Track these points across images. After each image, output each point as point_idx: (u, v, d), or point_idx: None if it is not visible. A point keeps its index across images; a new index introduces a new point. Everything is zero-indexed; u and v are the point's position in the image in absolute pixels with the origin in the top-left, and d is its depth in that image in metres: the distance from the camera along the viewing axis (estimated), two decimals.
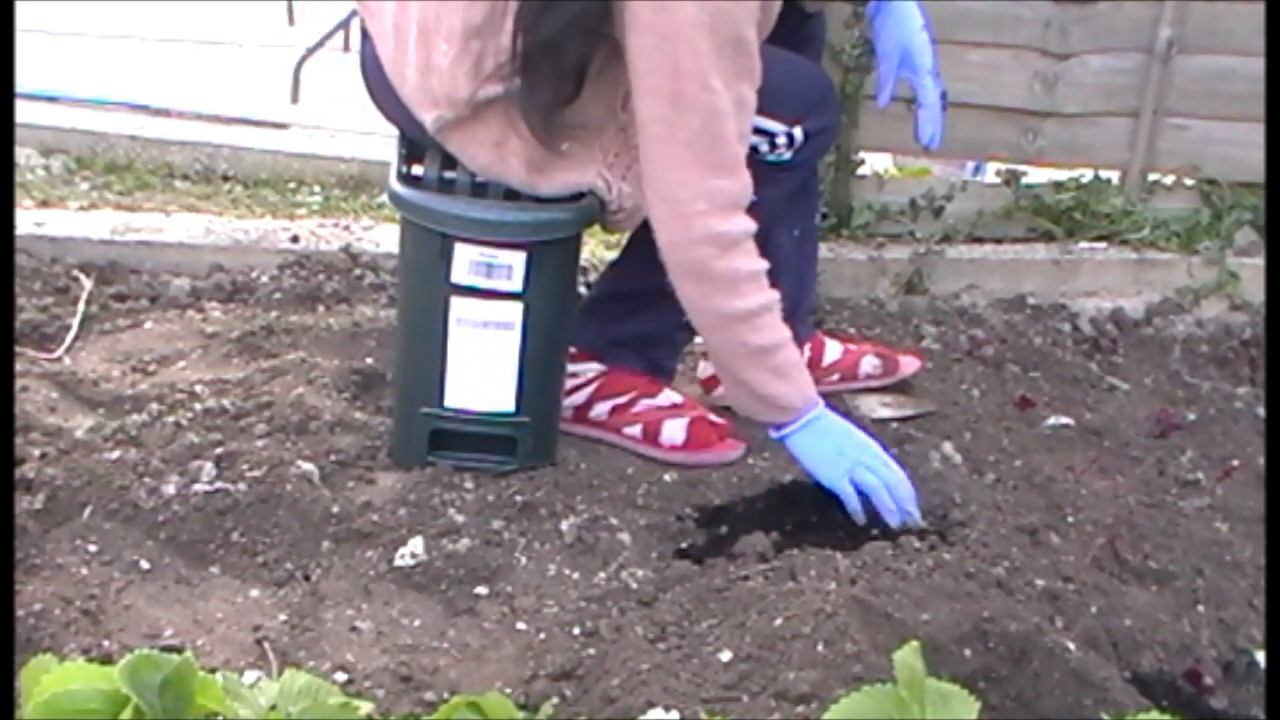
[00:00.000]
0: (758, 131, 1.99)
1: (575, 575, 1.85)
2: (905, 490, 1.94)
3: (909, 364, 2.46)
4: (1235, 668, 1.81)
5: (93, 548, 1.77)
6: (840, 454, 1.95)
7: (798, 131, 2.04)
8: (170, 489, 1.88)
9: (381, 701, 1.57)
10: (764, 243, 2.21)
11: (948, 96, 2.20)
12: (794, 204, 2.25)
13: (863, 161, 2.93)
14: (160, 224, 2.80)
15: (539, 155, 1.90)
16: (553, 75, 1.82)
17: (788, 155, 2.05)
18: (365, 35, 2.02)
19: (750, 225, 1.86)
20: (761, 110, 1.97)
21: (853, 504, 1.94)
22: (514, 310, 1.97)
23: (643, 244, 2.17)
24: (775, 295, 1.90)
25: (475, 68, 1.86)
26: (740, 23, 1.77)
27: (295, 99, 4.04)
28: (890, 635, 1.57)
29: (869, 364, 2.42)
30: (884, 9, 2.14)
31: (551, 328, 2.01)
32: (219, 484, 1.89)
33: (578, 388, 2.19)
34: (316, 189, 3.33)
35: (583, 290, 2.39)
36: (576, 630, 1.73)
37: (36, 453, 1.94)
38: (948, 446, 2.22)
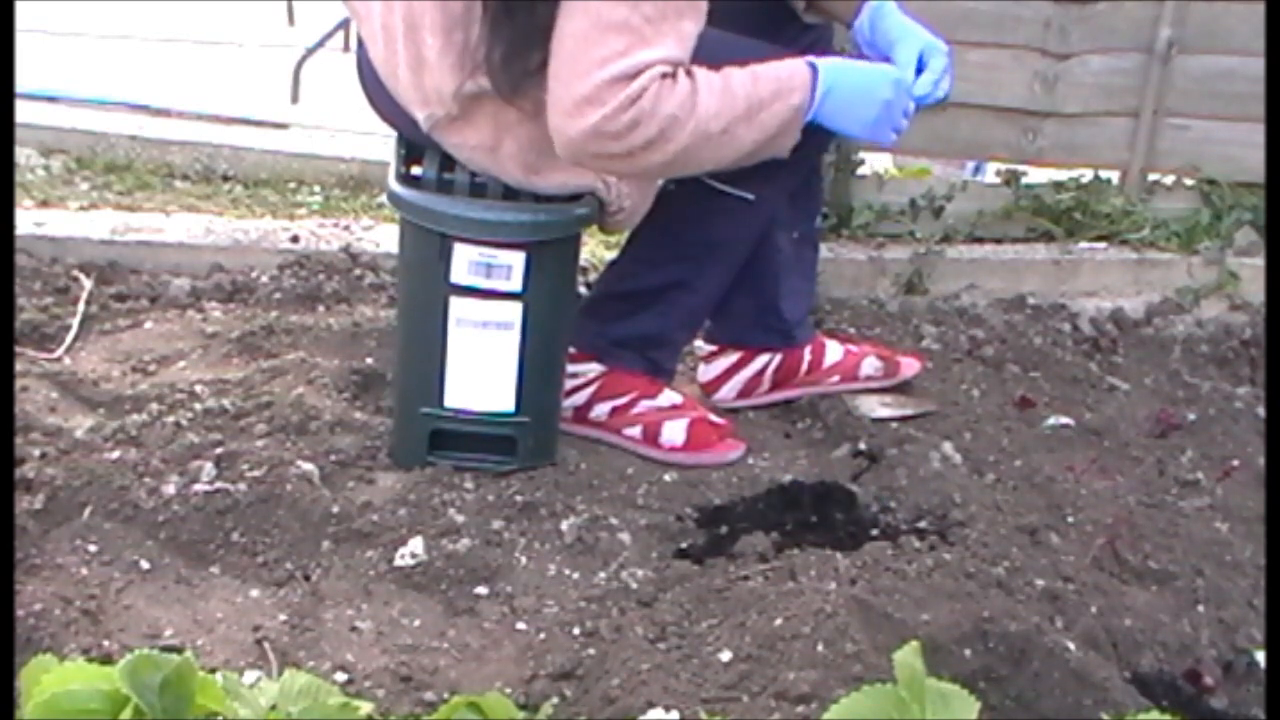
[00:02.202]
0: None
1: (575, 575, 1.85)
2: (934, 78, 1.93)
3: (909, 366, 2.46)
4: (1235, 668, 1.81)
5: (93, 548, 1.77)
6: (869, 107, 1.88)
7: None
8: (170, 489, 1.88)
9: (381, 701, 1.57)
10: (763, 245, 2.22)
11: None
12: (795, 205, 2.24)
13: (863, 161, 2.93)
14: (160, 224, 2.80)
15: (533, 157, 1.90)
16: (520, 35, 1.79)
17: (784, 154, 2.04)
18: (359, 40, 2.02)
19: (652, 75, 1.73)
20: None
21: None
22: (513, 310, 1.97)
23: (643, 244, 2.18)
24: (697, 80, 1.77)
25: (460, 60, 1.85)
26: None
27: (295, 99, 4.04)
28: (890, 635, 1.57)
29: (870, 366, 2.42)
30: (860, 32, 2.06)
31: (551, 328, 2.01)
32: (219, 484, 1.89)
33: (578, 388, 2.19)
34: (316, 189, 3.33)
35: (582, 290, 2.39)
36: (576, 630, 1.73)
37: (36, 453, 1.94)
38: (948, 446, 2.22)
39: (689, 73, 1.79)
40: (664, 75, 1.75)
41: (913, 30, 2.01)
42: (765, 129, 1.84)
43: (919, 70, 1.98)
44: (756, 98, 1.82)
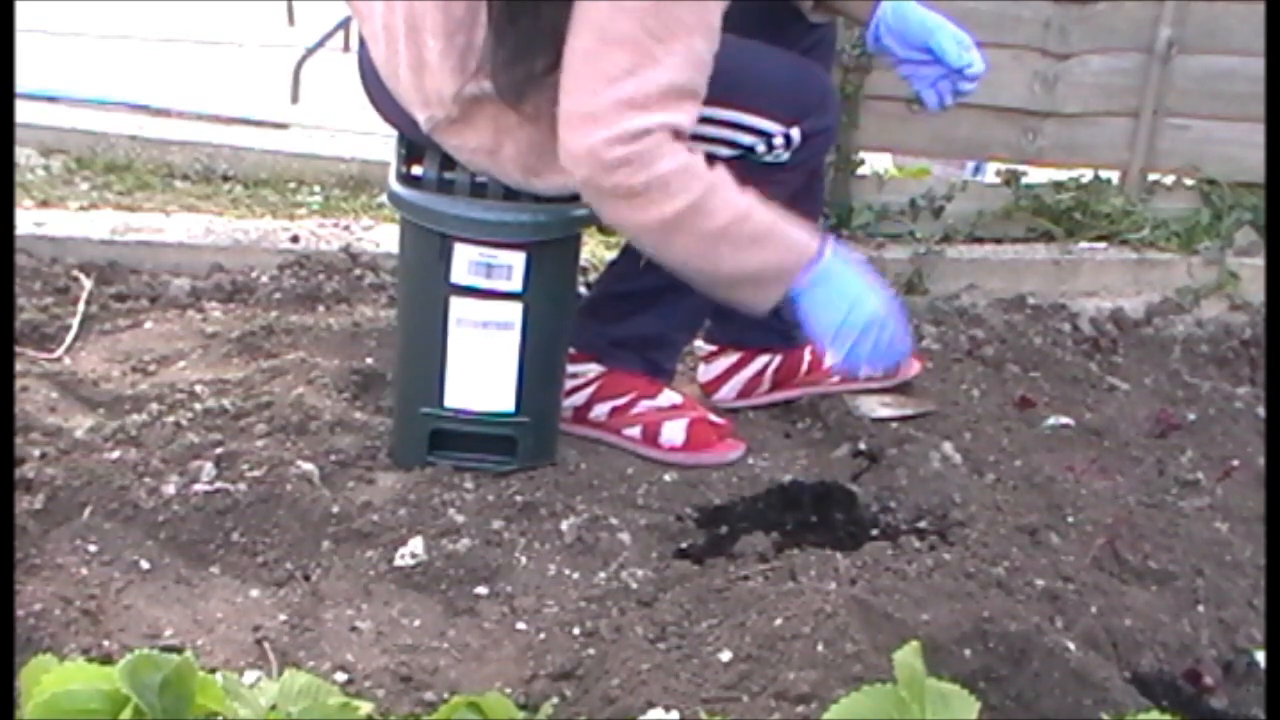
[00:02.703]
0: (754, 132, 1.99)
1: (575, 575, 1.85)
2: (893, 354, 1.84)
3: (909, 367, 2.46)
4: (1235, 668, 1.81)
5: (93, 548, 1.77)
6: (841, 318, 1.79)
7: (795, 133, 2.02)
8: (170, 489, 1.88)
9: (381, 701, 1.57)
10: None
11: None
12: (796, 207, 2.24)
13: (863, 161, 2.93)
14: (160, 224, 2.80)
15: (533, 158, 1.90)
16: (525, 36, 1.79)
17: (785, 156, 2.04)
18: (361, 39, 2.02)
19: (655, 123, 1.72)
20: (758, 110, 1.97)
21: (845, 367, 1.85)
22: (514, 310, 1.97)
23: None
24: (715, 175, 1.78)
25: (461, 63, 1.85)
26: None
27: (295, 99, 4.04)
28: (890, 635, 1.57)
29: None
30: (882, 25, 2.06)
31: (551, 328, 2.01)
32: (219, 484, 1.89)
33: (577, 388, 2.19)
34: (316, 189, 3.34)
35: (582, 290, 2.39)
36: (576, 630, 1.73)
37: (36, 453, 1.94)
38: (948, 446, 2.22)
39: (712, 162, 1.77)
40: (676, 134, 1.73)
41: (942, 21, 2.04)
42: (745, 267, 1.79)
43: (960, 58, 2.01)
44: (760, 233, 1.78)
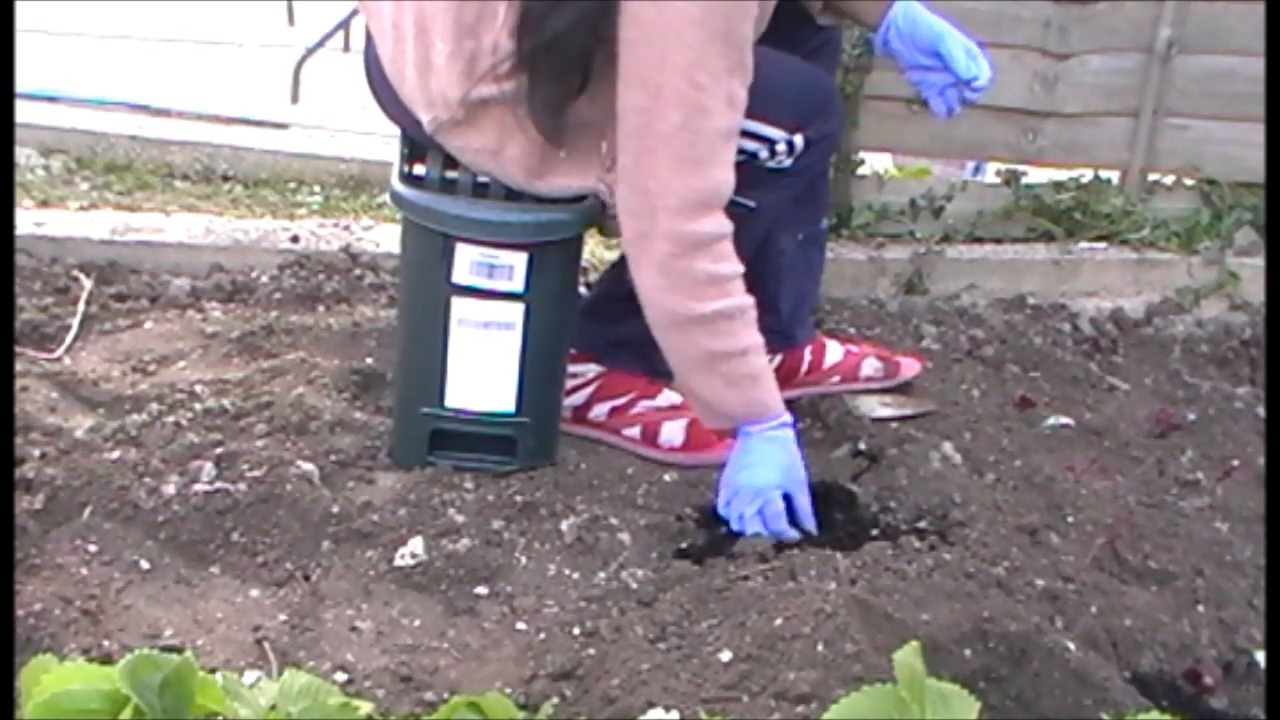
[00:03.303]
0: (757, 138, 1.99)
1: (575, 575, 1.85)
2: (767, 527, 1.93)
3: (909, 366, 2.46)
4: (1235, 668, 1.81)
5: (93, 548, 1.77)
6: (747, 489, 1.92)
7: (798, 139, 2.02)
8: (170, 489, 1.88)
9: (381, 701, 1.57)
10: (765, 246, 2.22)
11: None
12: (800, 208, 2.24)
13: (863, 161, 2.93)
14: (160, 224, 2.80)
15: (536, 161, 1.90)
16: (557, 73, 1.82)
17: (788, 162, 2.04)
18: (368, 35, 2.02)
19: (725, 228, 1.82)
20: (762, 116, 1.97)
21: (733, 526, 1.94)
22: (515, 311, 1.97)
23: None
24: (743, 302, 1.86)
25: (469, 67, 1.86)
26: (734, 18, 1.76)
27: (295, 99, 4.04)
28: (890, 635, 1.57)
29: (870, 367, 2.42)
30: (893, 28, 2.08)
31: (552, 328, 2.01)
32: (219, 484, 1.89)
33: (577, 388, 2.19)
34: (316, 189, 3.34)
35: (582, 290, 2.39)
36: (576, 630, 1.73)
37: (36, 453, 1.94)
38: (948, 446, 2.22)
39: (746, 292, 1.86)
40: (729, 243, 1.82)
41: (952, 29, 2.06)
42: (711, 389, 1.90)
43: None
44: (742, 374, 1.88)
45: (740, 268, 1.86)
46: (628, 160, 1.81)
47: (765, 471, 1.92)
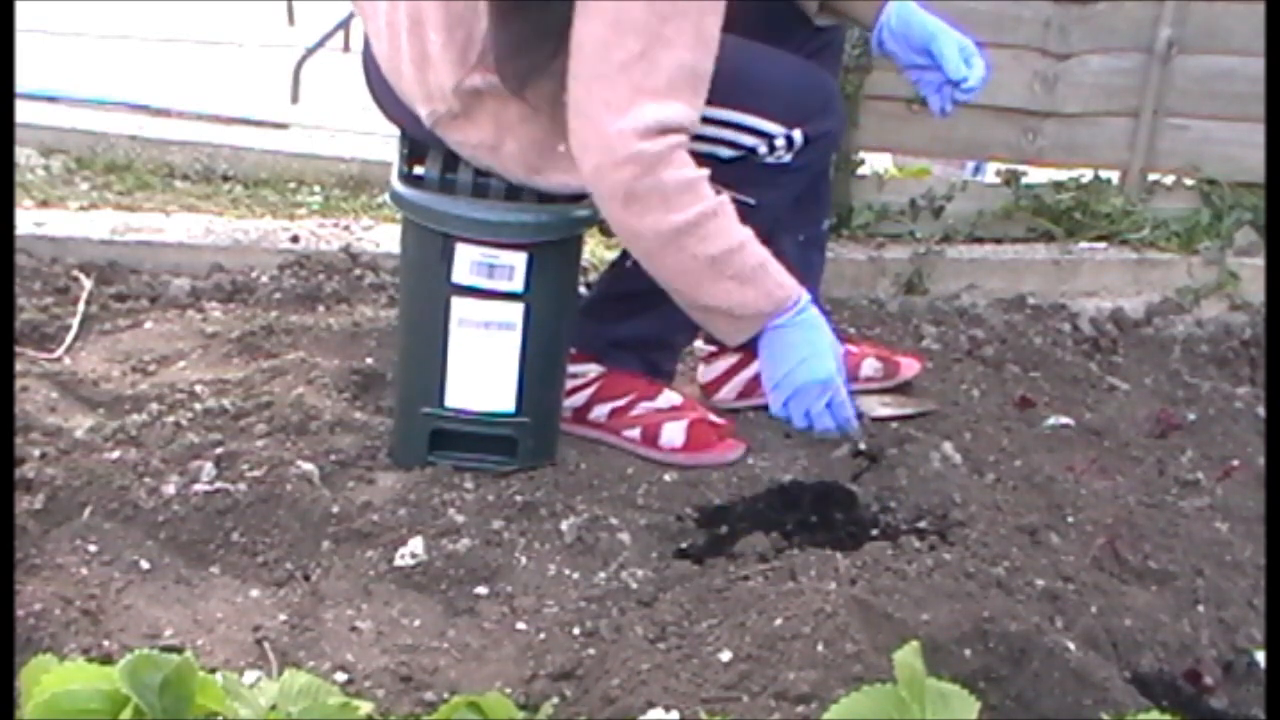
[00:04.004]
0: (755, 133, 1.98)
1: (575, 575, 1.85)
2: (831, 419, 1.90)
3: (909, 367, 2.46)
4: (1235, 668, 1.81)
5: (93, 548, 1.77)
6: (790, 369, 1.86)
7: (797, 134, 2.01)
8: (170, 489, 1.88)
9: (381, 701, 1.57)
10: (766, 246, 2.21)
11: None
12: (801, 209, 2.23)
13: (863, 161, 2.93)
14: (160, 224, 2.80)
15: (534, 156, 1.90)
16: (531, 28, 1.79)
17: (787, 158, 2.04)
18: (366, 37, 2.03)
19: (678, 138, 1.76)
20: (759, 111, 1.97)
21: (796, 425, 1.90)
22: (515, 311, 1.97)
23: None
24: (720, 199, 1.80)
25: (461, 56, 1.86)
26: None
27: (295, 99, 4.04)
28: (890, 635, 1.57)
29: (869, 367, 2.42)
30: (886, 29, 2.07)
31: (552, 328, 2.01)
32: (219, 484, 1.89)
33: (577, 389, 2.19)
34: (316, 189, 3.34)
35: (583, 290, 2.39)
36: (576, 630, 1.73)
37: (36, 453, 1.94)
38: (948, 446, 2.22)
39: (718, 193, 1.80)
40: (686, 151, 1.76)
41: (945, 27, 2.04)
42: (721, 297, 1.84)
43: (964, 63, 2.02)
44: (744, 269, 1.83)
45: (703, 171, 1.80)
46: (580, 91, 1.76)
47: (821, 361, 1.86)
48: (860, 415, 2.26)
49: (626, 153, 1.74)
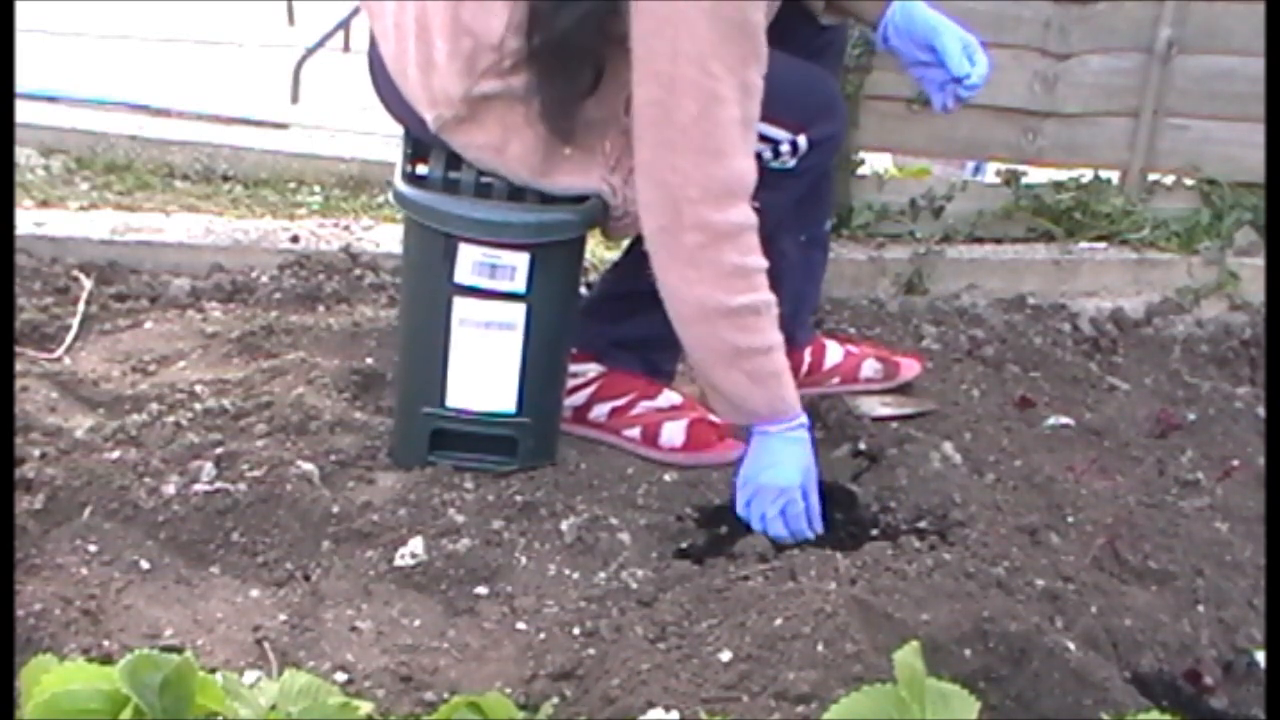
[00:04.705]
0: (761, 138, 1.98)
1: (575, 575, 1.85)
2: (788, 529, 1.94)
3: (909, 367, 2.46)
4: (1235, 668, 1.81)
5: (93, 548, 1.77)
6: (770, 489, 1.93)
7: (802, 139, 2.02)
8: (170, 489, 1.88)
9: (381, 701, 1.57)
10: (767, 246, 2.21)
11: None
12: (803, 209, 2.23)
13: (863, 161, 2.93)
14: (160, 224, 2.80)
15: (539, 159, 1.90)
16: (567, 71, 1.82)
17: (791, 163, 2.04)
18: (371, 37, 2.03)
19: (750, 219, 1.83)
20: (765, 117, 1.96)
21: (753, 526, 1.95)
22: (517, 311, 1.97)
23: (644, 246, 2.17)
24: (769, 298, 1.86)
25: (467, 65, 1.86)
26: (745, 7, 1.75)
27: (295, 99, 4.04)
28: (890, 635, 1.57)
29: (869, 368, 2.42)
30: (891, 25, 2.08)
31: (554, 329, 2.01)
32: (219, 484, 1.89)
33: (577, 388, 2.19)
34: (316, 189, 3.34)
35: (583, 291, 2.39)
36: (576, 630, 1.73)
37: (36, 453, 1.94)
38: (948, 446, 2.22)
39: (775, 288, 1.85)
40: (755, 236, 1.82)
41: (949, 24, 2.05)
42: (732, 385, 1.90)
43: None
44: (765, 371, 1.88)
45: (765, 262, 1.85)
46: (646, 154, 1.81)
47: (787, 471, 1.92)
48: (861, 416, 2.27)
49: (695, 220, 1.79)
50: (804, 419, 1.95)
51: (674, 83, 1.75)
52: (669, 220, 1.82)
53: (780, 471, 1.92)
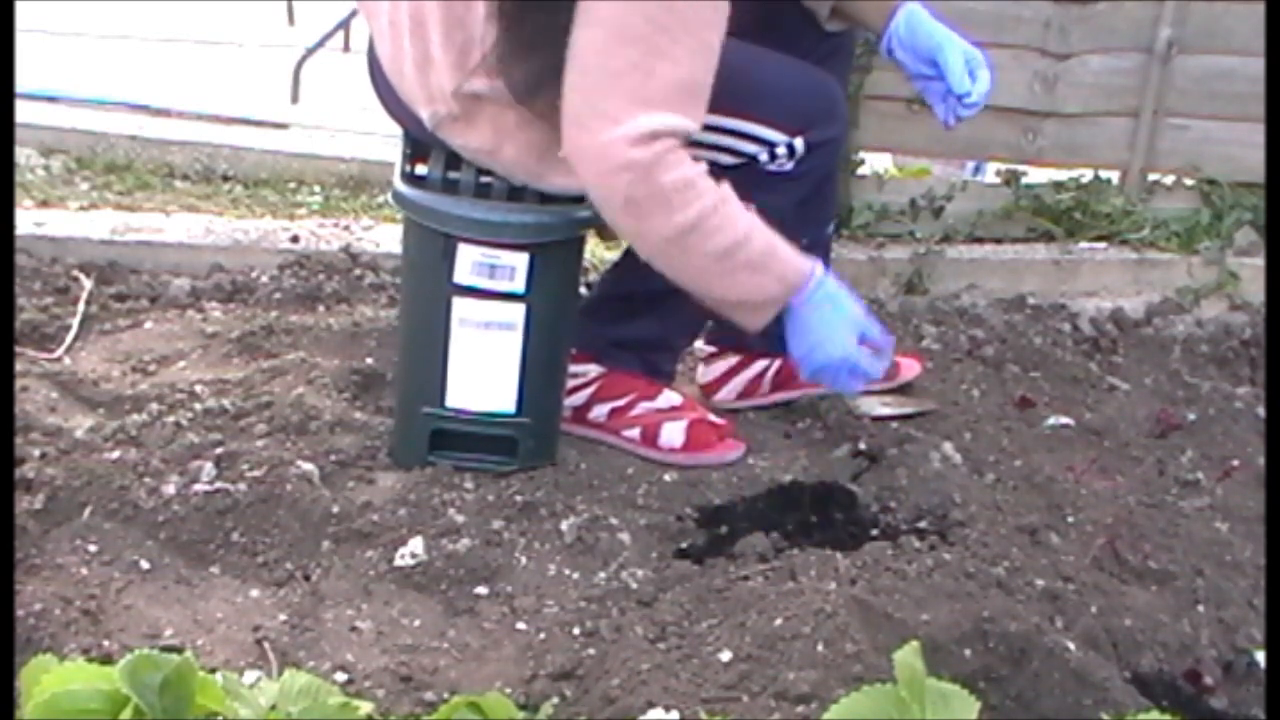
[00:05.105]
0: (757, 141, 1.98)
1: (575, 575, 1.85)
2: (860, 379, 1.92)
3: (909, 368, 2.46)
4: (1235, 668, 1.81)
5: (93, 548, 1.77)
6: (829, 365, 1.88)
7: (799, 143, 2.00)
8: (170, 489, 1.88)
9: (381, 701, 1.57)
10: None
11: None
12: (805, 213, 2.22)
13: (863, 161, 2.93)
14: (160, 224, 2.80)
15: (533, 162, 1.90)
16: (537, 35, 1.78)
17: (789, 166, 2.03)
18: (370, 36, 2.03)
19: (663, 124, 1.74)
20: (762, 119, 1.96)
21: (831, 385, 1.93)
22: (516, 311, 1.97)
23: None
24: (720, 192, 1.79)
25: (460, 59, 1.86)
26: None
27: (295, 99, 4.04)
28: (890, 635, 1.57)
29: None
30: (895, 37, 2.05)
31: (553, 329, 2.01)
32: (219, 484, 1.89)
33: (577, 389, 2.19)
34: (316, 189, 3.34)
35: (583, 290, 2.39)
36: (576, 630, 1.73)
37: (36, 453, 1.94)
38: (948, 446, 2.22)
39: (718, 177, 1.79)
40: (684, 143, 1.75)
41: (954, 36, 2.02)
42: (737, 289, 1.85)
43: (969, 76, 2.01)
44: (754, 259, 1.82)
45: (697, 165, 1.79)
46: (577, 100, 1.75)
47: (834, 342, 1.87)
48: (861, 415, 2.27)
49: (621, 160, 1.73)
50: (818, 271, 1.88)
51: (618, 28, 1.71)
52: (599, 165, 1.76)
53: (829, 346, 1.87)
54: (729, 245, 1.80)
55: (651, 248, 1.84)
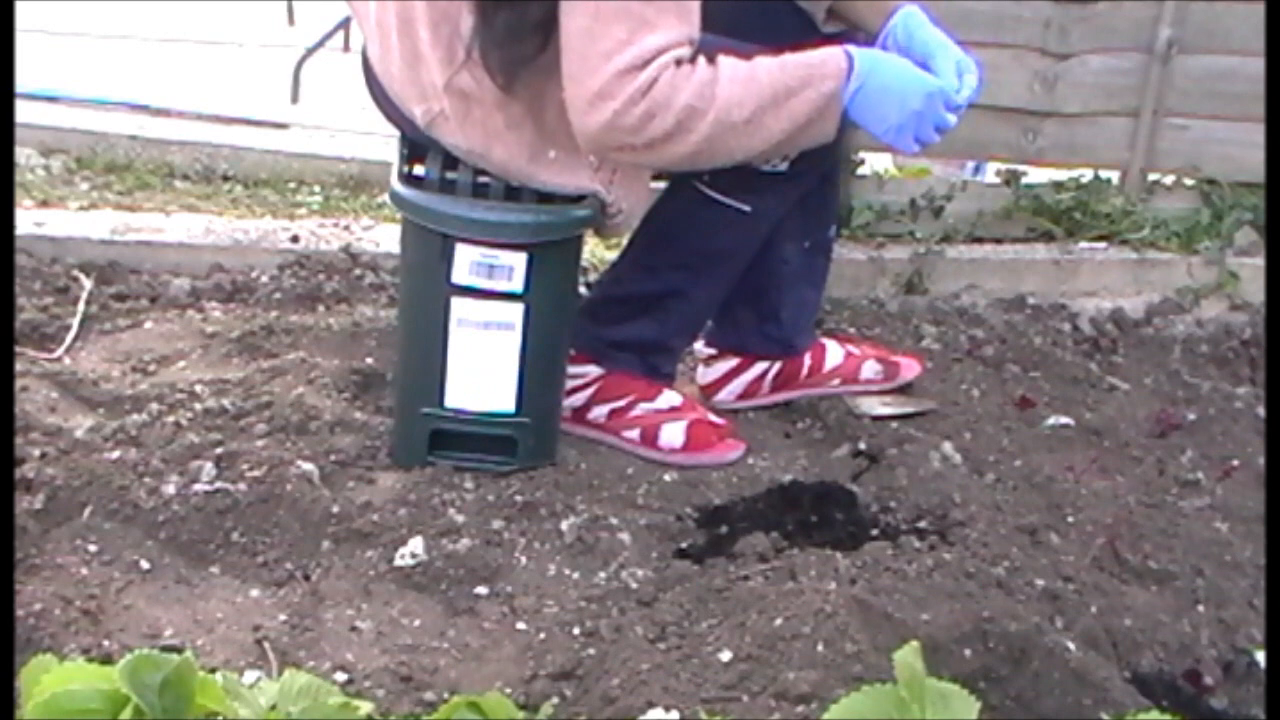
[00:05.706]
0: None
1: (575, 575, 1.85)
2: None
3: (909, 368, 2.46)
4: (1235, 668, 1.81)
5: (93, 548, 1.77)
6: (897, 110, 1.84)
7: None
8: (170, 489, 1.88)
9: (381, 701, 1.57)
10: (767, 254, 2.21)
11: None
12: (807, 214, 2.22)
13: (863, 161, 2.93)
14: (160, 224, 2.80)
15: (524, 162, 1.90)
16: (514, 20, 1.79)
17: (783, 167, 2.03)
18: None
19: (641, 54, 1.72)
20: None
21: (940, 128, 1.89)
22: (515, 311, 1.97)
23: (641, 249, 2.18)
24: (714, 70, 1.77)
25: (448, 54, 1.86)
26: None
27: (295, 99, 4.04)
28: (890, 635, 1.57)
29: (870, 369, 2.42)
30: (891, 40, 2.03)
31: (552, 329, 2.01)
32: (219, 484, 1.89)
33: (576, 389, 2.19)
34: (316, 189, 3.33)
35: (582, 291, 2.39)
36: (576, 630, 1.73)
37: (36, 453, 1.94)
38: (948, 446, 2.22)
39: (711, 59, 1.77)
40: (678, 62, 1.74)
41: (948, 43, 2.00)
42: (795, 117, 1.82)
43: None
44: (784, 85, 1.80)
45: (689, 72, 1.76)
46: (575, 87, 1.76)
47: (905, 103, 1.84)
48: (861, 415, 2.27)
49: (635, 119, 1.73)
50: (844, 56, 1.84)
51: (600, 10, 1.72)
52: (618, 139, 1.76)
53: (903, 105, 1.84)
54: (754, 98, 1.78)
55: (701, 159, 1.82)
